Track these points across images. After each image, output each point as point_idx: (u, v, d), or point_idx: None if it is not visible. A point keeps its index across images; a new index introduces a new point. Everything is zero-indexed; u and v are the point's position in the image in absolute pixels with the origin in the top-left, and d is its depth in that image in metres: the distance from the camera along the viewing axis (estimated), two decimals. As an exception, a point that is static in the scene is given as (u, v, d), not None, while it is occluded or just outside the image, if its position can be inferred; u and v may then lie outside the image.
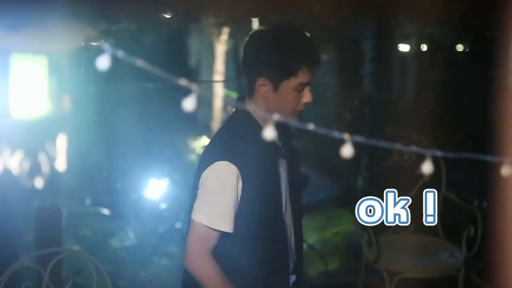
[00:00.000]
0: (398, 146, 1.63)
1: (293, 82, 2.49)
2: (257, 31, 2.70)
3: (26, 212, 4.67)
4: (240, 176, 2.51)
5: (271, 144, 2.57)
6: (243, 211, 2.55)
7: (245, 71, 2.61)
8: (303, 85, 2.50)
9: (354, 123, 5.65)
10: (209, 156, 2.58)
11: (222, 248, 2.56)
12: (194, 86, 1.45)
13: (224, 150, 2.56)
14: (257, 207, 2.57)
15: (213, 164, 2.53)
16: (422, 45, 6.30)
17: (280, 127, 2.57)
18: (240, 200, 2.54)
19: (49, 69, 1.12)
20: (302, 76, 2.49)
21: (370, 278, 4.20)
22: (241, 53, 7.82)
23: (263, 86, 2.52)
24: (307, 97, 2.54)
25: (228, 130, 2.65)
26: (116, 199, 6.14)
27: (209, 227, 2.51)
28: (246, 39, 2.63)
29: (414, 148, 1.56)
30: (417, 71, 6.27)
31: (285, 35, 2.54)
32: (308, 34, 2.57)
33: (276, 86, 2.50)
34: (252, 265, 2.61)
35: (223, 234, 2.54)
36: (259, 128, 2.56)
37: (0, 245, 4.32)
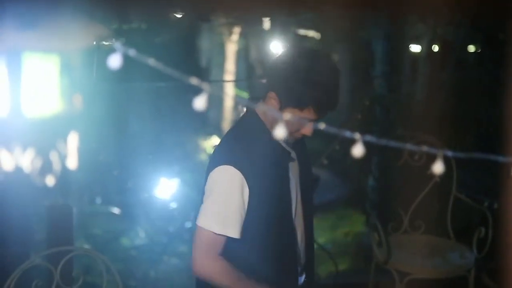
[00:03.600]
0: (409, 146, 1.63)
1: (297, 113, 2.46)
2: (295, 47, 2.69)
3: (37, 210, 4.69)
4: (245, 181, 2.50)
5: (279, 148, 2.58)
6: (251, 216, 2.54)
7: (265, 76, 2.60)
8: (306, 120, 2.47)
9: (365, 123, 5.64)
10: (215, 159, 2.57)
11: (231, 251, 2.55)
12: (205, 85, 1.45)
13: (229, 154, 2.55)
14: (265, 211, 2.55)
15: (217, 168, 2.52)
16: (433, 46, 6.28)
17: None
18: (248, 205, 2.52)
19: (61, 67, 1.13)
20: (307, 113, 2.46)
21: (380, 279, 4.19)
22: (251, 53, 7.82)
23: (272, 100, 2.51)
24: (307, 130, 2.52)
25: (236, 133, 2.64)
26: (127, 198, 6.16)
27: (214, 233, 2.50)
28: (285, 46, 2.62)
29: (425, 148, 1.56)
30: (428, 72, 6.26)
31: (312, 68, 2.46)
32: (337, 78, 2.48)
33: (281, 107, 2.49)
34: (261, 268, 2.61)
35: (231, 238, 2.53)
36: (267, 132, 2.56)
37: (12, 243, 4.34)
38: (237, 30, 7.46)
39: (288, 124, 2.46)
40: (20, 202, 4.39)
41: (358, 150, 1.43)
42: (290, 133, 2.52)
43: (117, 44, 1.31)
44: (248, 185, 2.50)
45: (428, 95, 6.11)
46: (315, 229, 2.87)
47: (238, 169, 2.49)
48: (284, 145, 2.59)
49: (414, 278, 3.89)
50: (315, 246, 3.02)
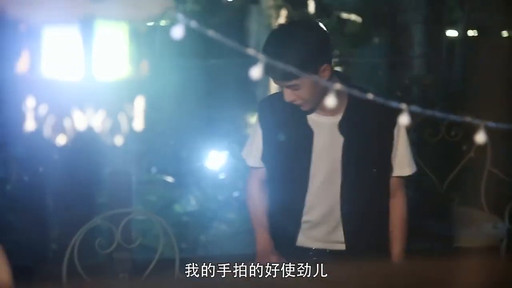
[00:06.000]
0: (446, 122, 1.60)
1: None
2: None
3: (99, 176, 4.75)
4: (258, 122, 2.64)
5: (300, 118, 2.57)
6: (264, 152, 2.66)
7: None
8: (276, 83, 2.49)
9: (404, 100, 5.59)
10: None
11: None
12: (260, 56, 1.44)
13: (267, 95, 2.80)
14: (272, 157, 2.64)
15: None
16: (469, 30, 6.21)
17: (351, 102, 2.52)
18: (262, 140, 2.65)
19: (130, 35, 1.13)
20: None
21: (415, 247, 4.16)
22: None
23: None
24: (285, 95, 2.48)
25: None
26: (180, 167, 6.20)
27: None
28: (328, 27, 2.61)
29: (462, 123, 1.54)
30: (464, 54, 6.18)
31: (269, 37, 2.51)
32: (272, 41, 2.47)
33: None
34: (270, 207, 2.72)
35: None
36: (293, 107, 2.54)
37: (76, 205, 4.40)
38: (283, 12, 7.42)
39: None
40: (84, 167, 4.45)
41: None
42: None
43: (180, 16, 1.30)
44: (260, 123, 2.63)
45: (463, 76, 6.04)
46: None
47: (259, 107, 2.66)
48: (308, 121, 2.57)
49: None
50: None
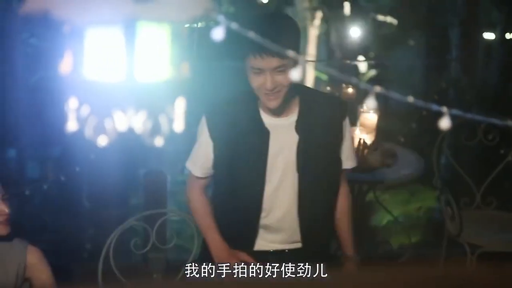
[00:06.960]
0: (491, 120, 1.58)
1: (248, 63, 2.43)
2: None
3: (134, 176, 4.77)
4: (208, 132, 2.59)
5: (256, 122, 2.56)
6: (216, 164, 2.63)
7: None
8: (257, 69, 2.41)
9: (441, 104, 5.55)
10: None
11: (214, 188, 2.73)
12: (301, 59, 1.43)
13: (211, 106, 2.66)
14: (228, 167, 2.60)
15: None
16: (506, 32, 6.14)
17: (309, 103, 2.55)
18: (214, 154, 2.61)
19: (172, 37, 1.12)
20: (253, 61, 2.40)
21: (452, 251, 4.12)
22: (333, 37, 7.71)
23: None
24: (265, 83, 2.42)
25: (237, 94, 2.66)
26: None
27: (188, 169, 2.71)
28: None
29: (499, 126, 1.51)
30: (501, 57, 6.12)
31: (256, 20, 2.52)
32: (277, 24, 2.42)
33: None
34: (222, 213, 2.68)
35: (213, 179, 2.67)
36: (250, 103, 2.55)
37: (112, 205, 4.43)
38: (318, 14, 7.40)
39: (250, 79, 2.45)
40: (120, 168, 4.48)
41: (435, 128, 1.40)
42: (257, 89, 2.46)
43: (221, 18, 1.30)
44: (210, 135, 2.59)
45: (501, 79, 5.97)
46: (389, 203, 2.80)
47: (207, 120, 2.60)
48: (263, 120, 2.56)
49: (485, 251, 3.80)
50: (388, 219, 2.95)
